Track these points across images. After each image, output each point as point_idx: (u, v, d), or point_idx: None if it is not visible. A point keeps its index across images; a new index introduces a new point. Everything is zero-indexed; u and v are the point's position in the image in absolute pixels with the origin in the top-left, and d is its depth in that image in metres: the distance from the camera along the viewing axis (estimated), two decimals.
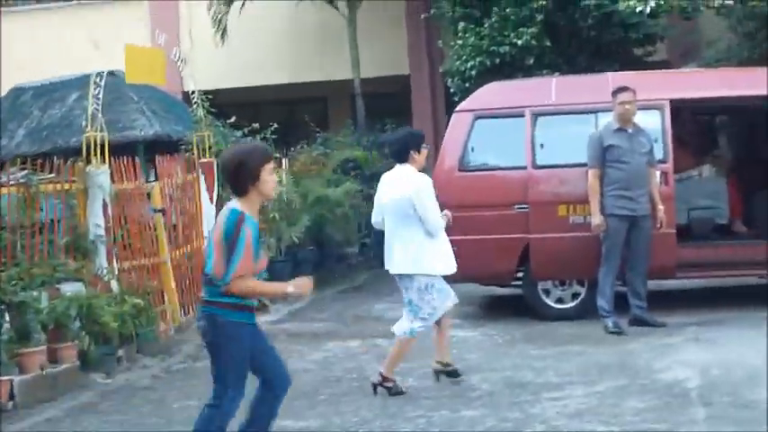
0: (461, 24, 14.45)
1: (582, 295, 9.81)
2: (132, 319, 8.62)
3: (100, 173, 9.30)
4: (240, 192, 5.12)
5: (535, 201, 9.71)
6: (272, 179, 5.17)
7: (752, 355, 7.71)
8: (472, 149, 10.02)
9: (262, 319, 10.41)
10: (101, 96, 9.73)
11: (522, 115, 9.96)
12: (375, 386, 7.26)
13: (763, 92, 9.69)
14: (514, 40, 13.76)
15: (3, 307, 7.63)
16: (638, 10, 12.15)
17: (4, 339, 7.48)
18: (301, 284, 5.22)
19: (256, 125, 12.54)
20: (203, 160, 11.27)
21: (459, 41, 14.33)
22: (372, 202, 7.64)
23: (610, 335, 8.92)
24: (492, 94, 10.54)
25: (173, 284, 10.12)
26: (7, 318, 7.65)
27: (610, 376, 7.39)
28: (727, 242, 10.22)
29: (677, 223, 9.80)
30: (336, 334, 9.74)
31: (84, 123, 9.80)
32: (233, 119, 12.52)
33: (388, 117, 16.55)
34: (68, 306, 8.03)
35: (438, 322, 7.38)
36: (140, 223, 10.03)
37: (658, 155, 9.53)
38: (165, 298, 10.00)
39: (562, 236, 9.61)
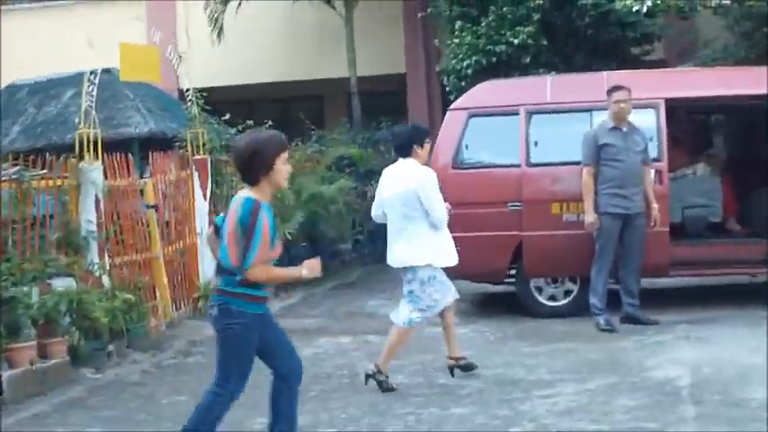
0: (458, 23, 14.45)
1: (574, 293, 9.81)
2: (123, 314, 8.61)
3: (92, 169, 9.30)
4: (252, 180, 5.09)
5: (529, 199, 9.70)
6: (285, 169, 5.15)
7: (743, 354, 7.70)
8: (466, 147, 10.00)
9: None
10: (95, 93, 9.73)
11: (517, 113, 9.95)
12: (368, 376, 7.25)
13: (758, 91, 9.67)
14: (511, 39, 13.77)
15: None
16: (634, 9, 12.13)
17: None
18: (313, 267, 5.22)
19: (251, 122, 12.53)
20: (197, 157, 11.28)
21: (456, 40, 14.33)
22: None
23: (602, 332, 8.91)
24: (486, 92, 10.53)
25: (164, 280, 10.12)
26: None
27: (601, 374, 7.37)
28: (720, 240, 10.22)
29: (671, 221, 9.78)
30: (328, 330, 9.72)
31: (77, 120, 9.76)
32: (227, 116, 12.52)
33: (384, 115, 16.55)
34: (58, 301, 8.02)
35: (442, 317, 7.39)
36: (133, 219, 10.01)
37: (653, 153, 9.51)
38: (157, 293, 9.98)
39: (555, 233, 9.60)
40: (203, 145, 11.41)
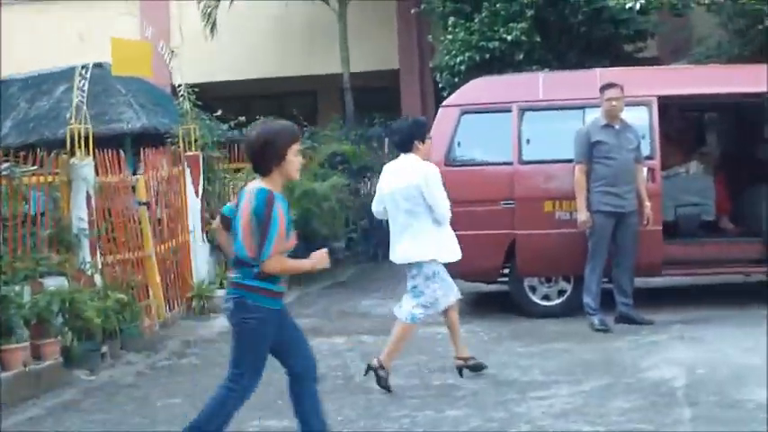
0: (451, 19, 14.43)
1: (568, 292, 9.79)
2: (116, 314, 8.54)
3: (84, 165, 9.22)
4: (264, 171, 5.06)
5: (521, 196, 9.68)
6: (297, 160, 5.12)
7: (738, 354, 7.71)
8: (458, 144, 9.96)
9: None
10: (86, 88, 9.66)
11: (509, 110, 9.92)
12: (370, 368, 7.23)
13: (751, 89, 9.67)
14: (504, 36, 13.76)
15: None
16: (628, 6, 12.14)
17: None
18: (321, 258, 5.20)
19: (242, 118, 12.47)
20: (189, 153, 11.23)
21: (449, 36, 14.31)
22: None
23: (596, 332, 8.90)
24: (479, 89, 10.50)
25: (157, 279, 10.05)
26: None
27: (595, 375, 7.37)
28: (713, 239, 10.21)
29: (664, 220, 9.77)
30: (321, 330, 9.67)
31: (68, 115, 9.70)
32: (219, 112, 12.47)
33: (377, 111, 16.50)
34: (50, 301, 7.95)
35: (446, 317, 7.40)
36: (125, 216, 9.95)
37: (645, 151, 9.50)
38: (150, 293, 9.92)
39: (548, 232, 9.58)
40: (195, 141, 11.36)
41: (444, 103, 10.57)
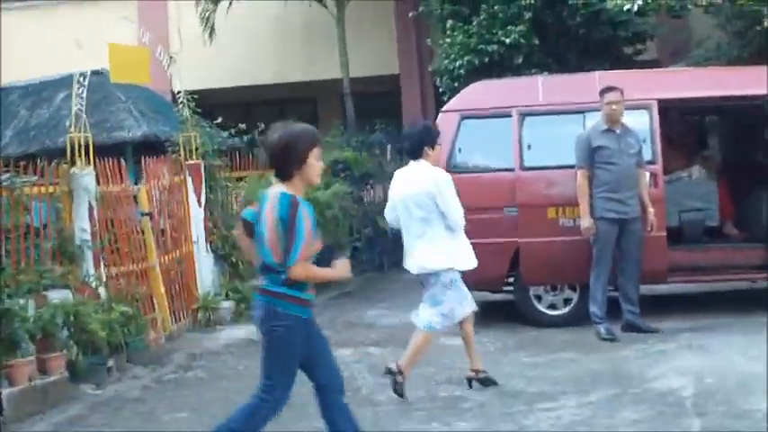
0: (449, 22, 14.42)
1: (574, 301, 9.73)
2: (121, 327, 8.47)
3: (84, 174, 9.16)
4: (285, 175, 5.02)
5: (524, 203, 9.64)
6: (318, 164, 5.08)
7: (745, 363, 7.69)
8: (459, 150, 9.88)
9: (254, 327, 10.42)
10: (84, 96, 9.61)
11: (509, 115, 9.87)
12: (389, 371, 7.23)
13: (752, 91, 9.64)
14: (503, 39, 13.75)
15: None
16: (625, 8, 12.12)
17: None
18: (344, 266, 5.19)
19: (243, 125, 12.45)
20: (190, 162, 11.17)
21: (448, 40, 14.30)
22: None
23: (603, 341, 8.86)
24: (478, 93, 10.44)
25: (162, 290, 10.00)
26: None
27: (603, 385, 7.34)
28: (718, 245, 10.16)
29: (668, 226, 9.73)
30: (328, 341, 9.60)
31: (67, 123, 9.64)
32: (219, 119, 12.43)
33: (378, 117, 16.46)
34: (55, 314, 7.86)
35: (461, 328, 7.37)
36: (128, 227, 9.89)
37: (647, 156, 9.46)
38: (155, 305, 9.87)
39: (552, 240, 9.54)
40: (196, 149, 11.31)
41: (444, 109, 10.51)
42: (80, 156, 9.21)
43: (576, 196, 9.24)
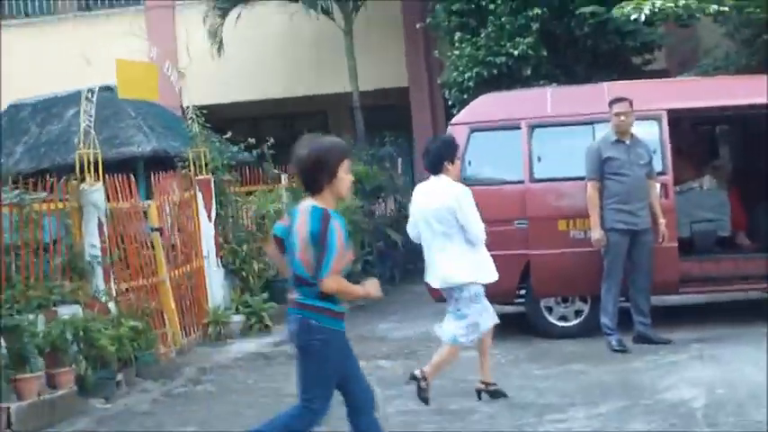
0: (457, 34, 14.41)
1: (585, 312, 9.71)
2: (130, 341, 8.48)
3: (94, 191, 9.19)
4: (315, 189, 5.00)
5: (534, 216, 9.61)
6: (348, 178, 5.07)
7: (757, 373, 7.63)
8: (469, 163, 9.82)
9: (264, 341, 10.48)
10: (93, 112, 9.65)
11: (519, 127, 9.86)
12: (413, 377, 7.29)
13: (762, 100, 9.59)
14: (511, 50, 13.73)
15: None
16: (632, 18, 12.06)
17: (2, 365, 7.35)
18: (375, 287, 5.17)
19: (252, 140, 12.46)
20: (200, 177, 11.20)
21: (456, 52, 14.29)
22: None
23: (614, 353, 8.83)
24: (487, 105, 10.43)
25: (172, 305, 10.00)
26: (3, 342, 7.53)
27: (613, 397, 7.31)
28: (730, 256, 10.11)
29: (680, 237, 9.69)
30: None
31: (76, 140, 9.67)
32: (229, 134, 12.45)
33: (388, 130, 16.44)
34: (64, 329, 7.90)
35: (479, 341, 7.39)
36: (137, 242, 9.91)
37: (657, 166, 9.43)
38: (166, 319, 9.88)
39: (563, 251, 9.51)
40: (206, 165, 11.34)
41: (453, 121, 10.51)
42: (89, 172, 9.23)
43: (586, 208, 9.20)
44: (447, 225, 7.11)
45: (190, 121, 11.63)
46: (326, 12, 16.49)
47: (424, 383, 7.21)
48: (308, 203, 5.00)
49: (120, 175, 9.79)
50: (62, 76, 15.83)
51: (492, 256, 9.28)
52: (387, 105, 17.60)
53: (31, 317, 7.83)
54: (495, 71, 13.83)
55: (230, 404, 8.00)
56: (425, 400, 7.21)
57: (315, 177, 4.98)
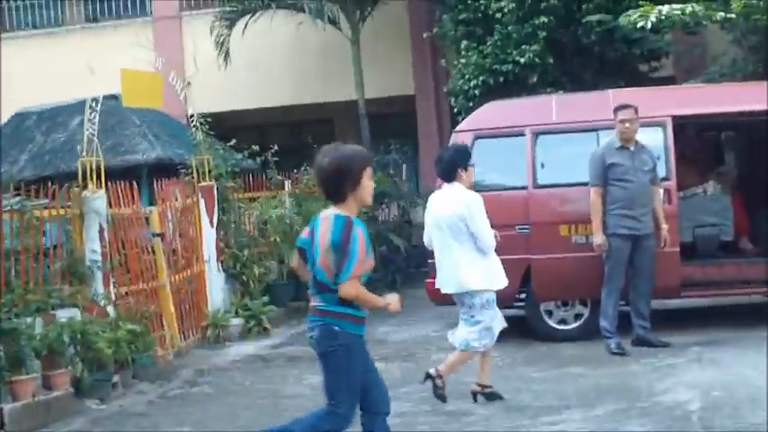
0: (464, 43, 14.41)
1: (585, 316, 9.69)
2: (128, 344, 8.50)
3: (96, 198, 9.27)
4: (339, 198, 4.98)
5: (536, 221, 9.60)
6: (371, 185, 5.05)
7: (755, 376, 7.57)
8: None
9: (263, 344, 10.50)
10: (96, 121, 9.71)
11: (523, 134, 9.88)
12: (428, 375, 7.35)
13: (766, 107, 9.55)
14: (517, 58, 13.72)
15: None
16: (639, 25, 12.04)
17: None
18: (395, 302, 5.15)
19: (256, 147, 12.52)
20: (203, 184, 11.26)
21: (462, 60, 14.29)
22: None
23: (612, 356, 8.78)
24: (491, 113, 10.45)
25: (171, 309, 10.05)
26: (0, 345, 7.55)
27: (610, 399, 7.26)
28: (732, 260, 10.06)
29: (682, 241, 9.66)
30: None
31: (79, 148, 9.75)
32: (233, 141, 12.50)
33: (394, 137, 16.48)
34: (61, 332, 7.94)
35: None
36: (138, 248, 9.96)
37: (661, 172, 9.41)
38: (164, 322, 9.91)
39: (564, 256, 9.49)
40: (209, 172, 11.39)
41: (457, 129, 10.53)
42: (92, 179, 9.29)
43: (588, 213, 9.17)
44: (458, 232, 7.18)
45: (194, 129, 11.68)
46: (333, 22, 16.53)
47: (440, 381, 7.29)
48: (330, 212, 4.99)
49: (123, 182, 9.86)
50: (69, 86, 15.86)
51: None
52: (392, 113, 17.64)
53: (28, 320, 7.88)
54: (501, 79, 13.83)
55: (227, 406, 8.00)
56: (442, 398, 7.29)
57: (338, 186, 4.96)
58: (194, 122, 11.64)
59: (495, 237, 7.37)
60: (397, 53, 17.38)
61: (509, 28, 13.85)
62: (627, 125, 9.06)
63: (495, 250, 7.41)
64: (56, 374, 7.83)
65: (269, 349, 10.29)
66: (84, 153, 9.48)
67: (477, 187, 9.62)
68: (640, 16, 11.90)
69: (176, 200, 10.77)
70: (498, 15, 13.99)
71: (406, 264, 14.27)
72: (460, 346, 7.28)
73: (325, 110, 18.12)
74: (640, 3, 12.02)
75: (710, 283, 9.71)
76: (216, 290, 11.13)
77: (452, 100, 14.67)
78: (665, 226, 9.15)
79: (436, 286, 7.52)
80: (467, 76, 14.09)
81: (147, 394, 8.49)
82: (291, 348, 10.35)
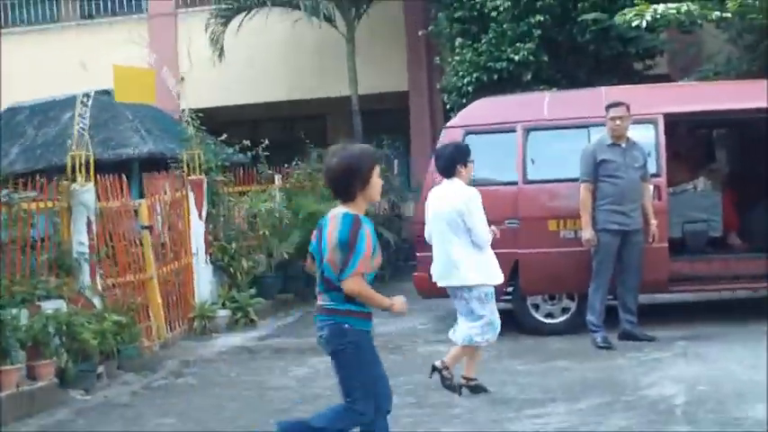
0: (459, 40, 14.42)
1: (572, 310, 9.67)
2: (114, 335, 8.49)
3: (84, 191, 9.26)
4: (348, 197, 4.98)
5: (526, 216, 9.58)
6: (379, 182, 5.06)
7: (740, 371, 7.58)
8: None
9: (249, 335, 10.51)
10: (87, 116, 9.71)
11: (514, 130, 9.86)
12: (434, 368, 7.37)
13: (758, 104, 9.56)
14: (511, 56, 13.72)
15: None
16: (634, 24, 12.04)
17: None
18: (401, 304, 5.12)
19: (247, 142, 12.54)
20: (192, 177, 11.26)
21: (457, 57, 14.29)
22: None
23: (599, 350, 8.77)
24: (483, 109, 10.44)
25: (158, 300, 10.05)
26: None
27: (595, 393, 7.25)
28: (720, 256, 10.08)
29: (671, 237, 9.65)
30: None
31: (69, 142, 9.75)
32: (224, 136, 12.52)
33: (387, 133, 16.48)
34: (46, 323, 7.93)
35: None
36: (126, 240, 9.95)
37: (652, 169, 9.39)
38: (151, 314, 9.89)
39: (552, 251, 9.48)
40: (200, 166, 11.39)
41: (448, 125, 10.53)
42: (81, 173, 9.27)
43: (577, 208, 9.16)
44: (457, 227, 7.22)
45: (185, 124, 11.69)
46: (329, 19, 16.51)
47: (447, 372, 7.32)
48: (338, 210, 4.99)
49: (114, 176, 9.85)
50: (63, 82, 15.85)
51: None
52: (385, 110, 17.64)
53: (14, 311, 7.86)
54: (495, 76, 13.83)
55: (212, 397, 7.99)
56: (453, 389, 7.33)
57: (348, 185, 4.96)
58: (185, 117, 11.65)
59: (494, 233, 7.42)
60: (392, 51, 17.36)
61: (504, 26, 13.86)
62: (618, 122, 9.06)
63: None
64: (40, 365, 7.82)
65: (255, 341, 10.29)
66: (75, 147, 9.47)
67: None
68: (636, 15, 11.90)
69: (165, 193, 10.75)
70: (494, 14, 13.99)
71: (395, 257, 14.30)
72: (463, 342, 7.29)
73: (318, 105, 18.10)
74: (636, 1, 12.05)
75: (699, 278, 9.70)
76: (203, 282, 11.14)
77: (445, 97, 14.66)
78: (654, 221, 9.14)
79: (433, 280, 7.53)
80: (461, 74, 14.10)
81: (132, 385, 8.48)
82: (278, 340, 10.37)
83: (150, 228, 10.21)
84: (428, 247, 9.02)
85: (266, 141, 12.70)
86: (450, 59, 14.60)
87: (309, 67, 17.66)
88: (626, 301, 9.08)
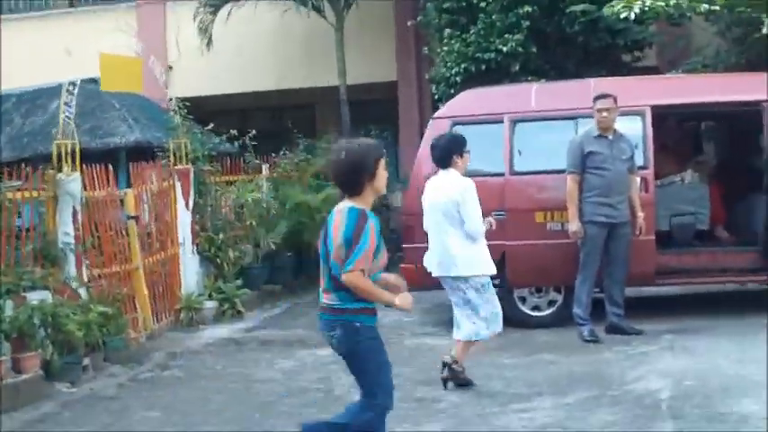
0: (447, 31, 14.37)
1: (559, 302, 9.68)
2: (99, 327, 8.44)
3: (70, 180, 9.19)
4: (355, 190, 4.96)
5: (512, 208, 9.56)
6: (385, 174, 5.05)
7: (727, 365, 7.59)
8: None
9: (236, 327, 10.49)
10: (73, 104, 9.63)
11: (501, 121, 9.84)
12: (445, 364, 7.37)
13: (745, 97, 9.58)
14: (500, 47, 13.67)
15: None
16: (623, 16, 12.01)
17: None
18: (406, 301, 5.08)
19: (234, 132, 12.49)
20: (179, 167, 11.19)
21: (445, 48, 14.24)
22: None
23: (585, 343, 8.77)
24: (470, 100, 10.42)
25: (145, 291, 9.99)
26: None
27: (581, 387, 7.25)
28: (707, 248, 10.07)
29: (659, 229, 9.66)
30: (307, 342, 9.46)
31: (55, 131, 9.68)
32: (211, 125, 12.47)
33: (375, 123, 16.45)
34: (32, 315, 7.87)
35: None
36: (112, 230, 9.89)
37: (639, 161, 9.40)
38: (137, 305, 9.85)
39: (539, 243, 9.47)
40: (186, 155, 11.33)
41: (435, 115, 10.51)
42: (67, 162, 9.21)
43: (564, 200, 9.16)
44: (452, 218, 7.25)
45: (172, 113, 11.63)
46: (318, 9, 16.46)
47: (457, 365, 7.32)
48: (344, 205, 4.97)
49: (101, 165, 9.78)
50: (51, 70, 15.78)
51: None
52: (373, 100, 17.59)
53: None
54: (483, 67, 13.77)
55: (198, 389, 7.96)
56: (467, 381, 7.35)
57: (355, 179, 4.95)
58: (173, 106, 11.59)
59: (490, 224, 7.45)
60: (380, 41, 17.30)
61: (493, 17, 13.79)
62: (605, 114, 9.05)
63: None
64: (25, 357, 7.75)
65: (242, 333, 10.26)
66: (60, 136, 9.40)
67: None
68: (624, 7, 11.84)
69: (152, 183, 10.69)
70: (482, 4, 13.93)
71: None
72: (470, 338, 7.32)
73: (306, 95, 18.04)
74: None
75: (686, 270, 9.71)
76: (190, 273, 11.08)
77: (434, 87, 14.62)
78: (641, 214, 9.14)
79: (429, 270, 7.53)
80: (449, 64, 14.05)
81: (118, 377, 8.43)
82: (264, 332, 10.34)
83: (137, 218, 10.15)
84: (415, 239, 9.06)
85: (254, 131, 12.65)
86: (438, 50, 14.55)
87: (298, 56, 17.61)
88: (613, 293, 9.08)
